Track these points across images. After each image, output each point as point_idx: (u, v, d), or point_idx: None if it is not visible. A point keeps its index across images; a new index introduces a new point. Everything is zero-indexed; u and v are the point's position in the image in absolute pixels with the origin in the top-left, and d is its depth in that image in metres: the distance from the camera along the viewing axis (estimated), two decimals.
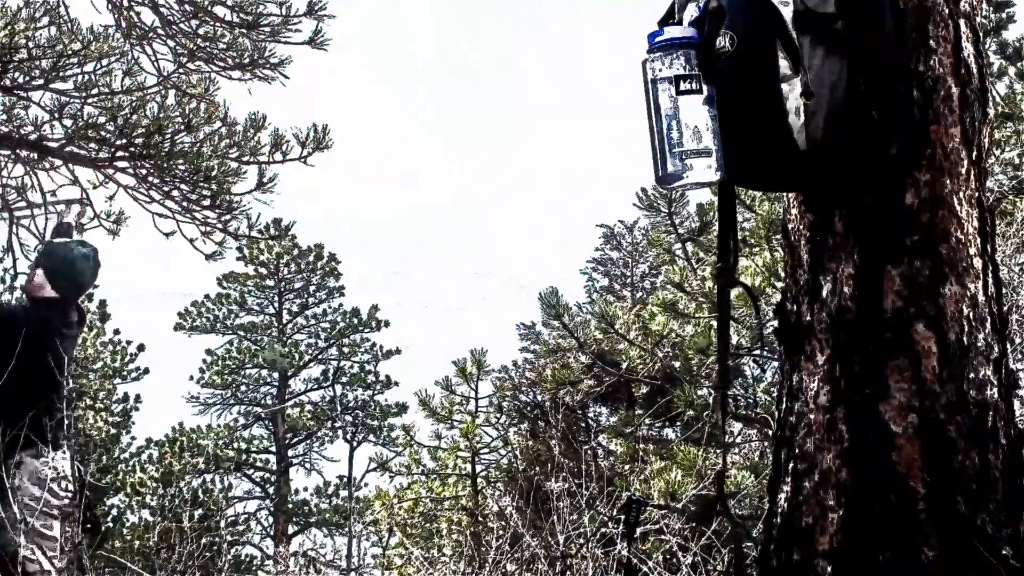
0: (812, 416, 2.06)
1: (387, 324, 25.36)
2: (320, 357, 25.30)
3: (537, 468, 9.35)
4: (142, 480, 17.14)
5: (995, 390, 2.02)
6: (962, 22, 2.11)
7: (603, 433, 10.48)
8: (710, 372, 7.55)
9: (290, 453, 24.58)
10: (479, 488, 11.80)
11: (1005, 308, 2.23)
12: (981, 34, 2.18)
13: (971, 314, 2.02)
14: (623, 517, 5.51)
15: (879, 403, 1.98)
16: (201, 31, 6.92)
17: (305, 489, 24.14)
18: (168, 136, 7.06)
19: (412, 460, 13.22)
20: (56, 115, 7.05)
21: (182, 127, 7.10)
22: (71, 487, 3.88)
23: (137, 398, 20.00)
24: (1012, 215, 7.22)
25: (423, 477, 12.86)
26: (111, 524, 16.93)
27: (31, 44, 6.66)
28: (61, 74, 6.88)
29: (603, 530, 6.09)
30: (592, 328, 9.23)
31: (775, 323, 2.27)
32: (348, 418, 24.87)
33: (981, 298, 2.05)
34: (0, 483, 3.71)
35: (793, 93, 1.99)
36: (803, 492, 2.05)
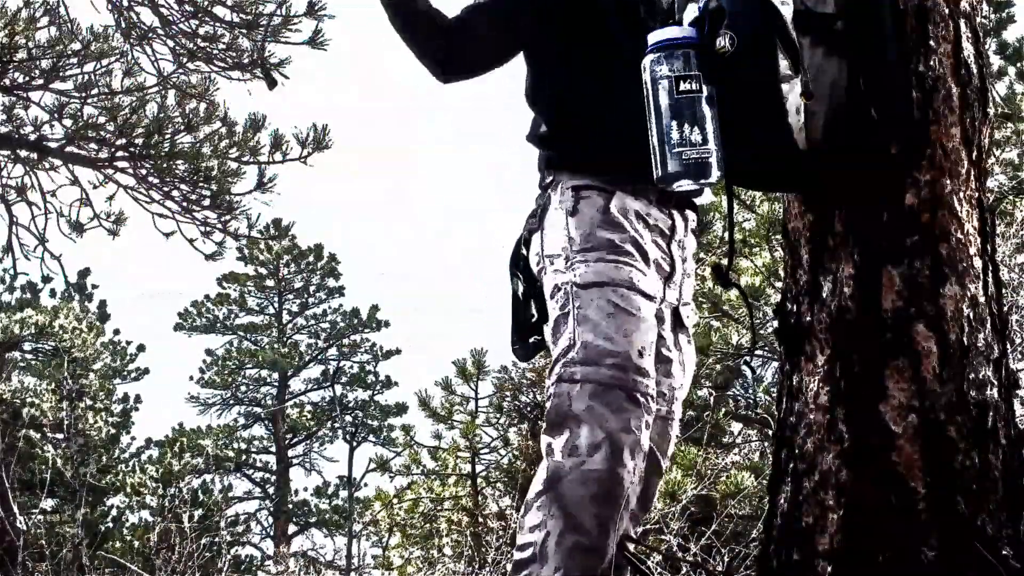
0: (812, 416, 2.06)
1: (387, 324, 25.36)
2: (320, 357, 25.29)
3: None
4: (142, 480, 17.13)
5: (995, 390, 2.02)
6: (962, 22, 2.11)
7: None
8: (710, 372, 7.54)
9: (290, 453, 24.57)
10: (479, 488, 11.80)
11: (1005, 308, 2.23)
12: (981, 34, 2.18)
13: (971, 314, 2.02)
14: None
15: (879, 403, 1.98)
16: (201, 31, 6.91)
17: (305, 489, 24.15)
18: (168, 136, 7.06)
19: (412, 460, 13.21)
20: (56, 115, 7.05)
21: (182, 127, 7.11)
22: None
23: (137, 398, 20.03)
24: (1012, 215, 7.21)
25: (423, 477, 12.85)
26: (111, 524, 16.92)
27: (31, 44, 6.66)
28: (61, 74, 6.89)
29: None
30: None
31: (775, 323, 2.27)
32: (348, 418, 24.85)
33: (981, 298, 2.04)
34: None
35: (793, 93, 1.99)
36: (803, 492, 2.05)
